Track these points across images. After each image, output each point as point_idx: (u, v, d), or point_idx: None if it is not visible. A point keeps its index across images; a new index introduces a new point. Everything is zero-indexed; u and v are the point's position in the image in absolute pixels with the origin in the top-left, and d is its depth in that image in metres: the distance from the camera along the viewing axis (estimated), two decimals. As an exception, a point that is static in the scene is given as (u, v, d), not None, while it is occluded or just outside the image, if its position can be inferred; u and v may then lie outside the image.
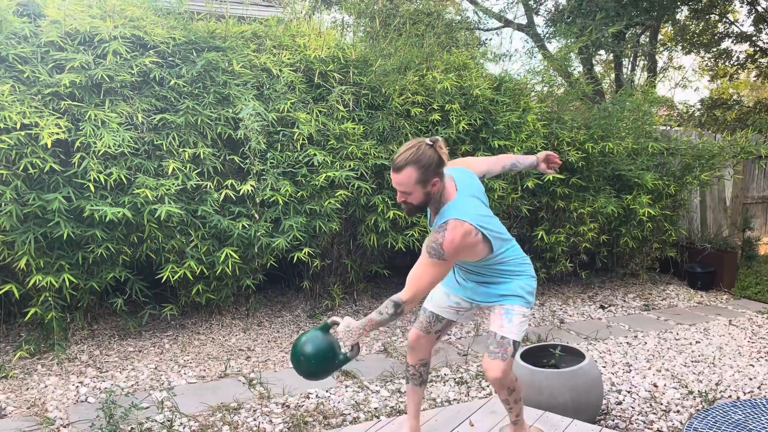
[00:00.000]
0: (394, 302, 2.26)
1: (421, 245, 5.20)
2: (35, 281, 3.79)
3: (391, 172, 2.25)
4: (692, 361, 4.33)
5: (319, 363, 2.30)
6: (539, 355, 3.46)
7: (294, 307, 5.36)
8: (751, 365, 4.27)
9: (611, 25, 9.35)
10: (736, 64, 14.63)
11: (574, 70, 11.38)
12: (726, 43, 14.30)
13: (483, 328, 4.96)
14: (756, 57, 14.12)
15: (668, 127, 7.49)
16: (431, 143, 2.25)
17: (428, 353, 2.73)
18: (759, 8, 12.93)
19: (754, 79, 15.44)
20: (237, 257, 4.36)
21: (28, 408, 3.35)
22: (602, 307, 5.81)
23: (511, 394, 2.52)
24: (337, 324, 2.36)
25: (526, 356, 3.39)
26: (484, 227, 2.31)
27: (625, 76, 11.84)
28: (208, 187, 4.37)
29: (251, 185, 4.43)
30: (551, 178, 5.60)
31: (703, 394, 3.74)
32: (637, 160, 6.19)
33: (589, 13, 10.05)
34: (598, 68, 15.38)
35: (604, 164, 6.07)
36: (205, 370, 3.95)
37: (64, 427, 3.16)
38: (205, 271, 4.36)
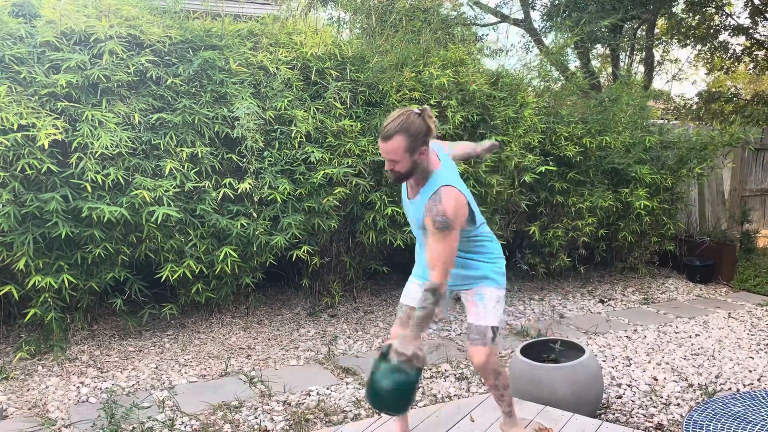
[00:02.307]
0: (431, 289, 2.25)
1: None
2: (34, 282, 3.79)
3: (380, 141, 2.25)
4: (692, 354, 4.34)
5: (405, 391, 2.27)
6: (539, 350, 3.47)
7: (294, 305, 5.36)
8: (750, 357, 4.28)
9: (606, 17, 9.35)
10: (732, 56, 14.62)
11: (571, 64, 11.38)
12: (722, 36, 14.30)
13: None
14: (752, 49, 14.11)
15: (666, 121, 7.50)
16: (419, 112, 2.26)
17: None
18: (755, 0, 12.92)
19: (751, 71, 15.44)
20: (236, 256, 4.36)
21: (29, 409, 3.35)
22: (602, 301, 5.82)
23: (497, 378, 2.56)
24: (392, 345, 2.31)
25: (527, 351, 3.40)
26: (467, 196, 2.37)
27: (620, 71, 11.84)
28: (207, 186, 4.37)
29: (249, 184, 4.43)
30: (543, 169, 5.61)
31: (703, 386, 3.76)
32: (630, 152, 6.19)
33: (585, 7, 10.04)
34: (595, 63, 15.38)
35: (601, 159, 6.07)
36: (205, 369, 3.96)
37: (66, 427, 3.16)
38: (204, 270, 4.36)
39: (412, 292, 2.67)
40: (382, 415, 3.30)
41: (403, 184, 2.48)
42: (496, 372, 2.54)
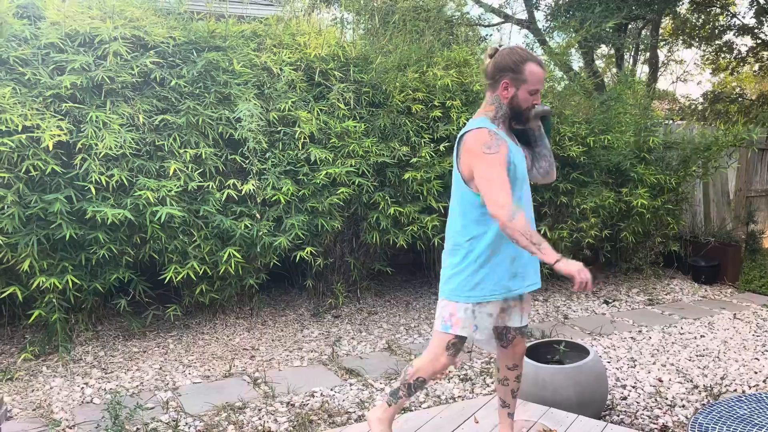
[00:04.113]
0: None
1: (423, 242, 5.19)
2: (39, 283, 3.80)
3: (541, 69, 2.24)
4: (697, 356, 4.32)
5: None
6: (544, 351, 3.46)
7: (298, 306, 5.36)
8: (756, 359, 4.26)
9: (610, 18, 9.32)
10: (737, 57, 14.56)
11: (575, 64, 11.34)
12: (728, 36, 14.24)
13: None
14: (758, 50, 14.05)
15: (671, 121, 7.47)
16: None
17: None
18: (761, 0, 12.86)
19: (756, 72, 15.37)
20: (240, 257, 4.36)
21: (34, 410, 3.36)
22: (606, 302, 5.80)
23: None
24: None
25: (531, 352, 3.39)
26: None
27: (624, 71, 11.80)
28: (210, 187, 4.37)
29: (253, 185, 4.43)
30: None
31: (709, 388, 3.74)
32: (625, 150, 6.14)
33: (589, 6, 10.00)
34: (599, 63, 15.34)
35: (601, 156, 6.04)
36: (209, 370, 3.96)
37: (70, 428, 3.17)
38: (208, 271, 4.36)
39: (484, 326, 2.37)
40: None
41: (503, 136, 2.27)
42: None
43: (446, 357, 2.37)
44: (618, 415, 3.39)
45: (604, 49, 14.63)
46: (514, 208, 2.07)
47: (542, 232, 5.72)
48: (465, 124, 5.25)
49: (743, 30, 13.67)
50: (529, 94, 2.23)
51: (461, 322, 2.32)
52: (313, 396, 3.59)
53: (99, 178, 3.90)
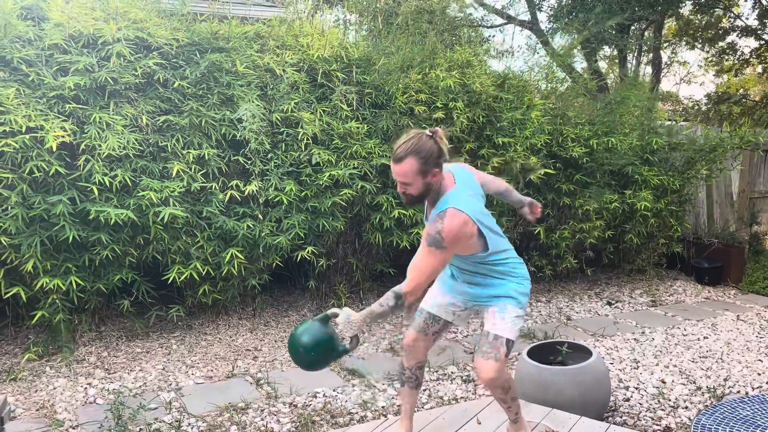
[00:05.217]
0: (395, 294, 2.29)
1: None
2: (42, 284, 3.81)
3: (392, 163, 2.25)
4: (700, 357, 4.31)
5: (318, 354, 2.30)
6: (546, 352, 3.45)
7: (300, 306, 5.36)
8: (759, 360, 4.25)
9: (611, 17, 9.30)
10: (741, 58, 14.54)
11: (577, 65, 11.35)
12: (731, 37, 14.22)
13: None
14: (761, 51, 14.02)
15: (674, 122, 7.46)
16: (431, 134, 2.25)
17: (425, 355, 2.69)
18: (764, 1, 12.83)
19: (760, 74, 15.34)
20: (242, 258, 4.37)
21: (37, 410, 3.37)
22: (609, 303, 5.79)
23: (506, 392, 2.50)
24: (337, 315, 2.34)
25: (533, 353, 3.38)
26: (481, 221, 2.30)
27: (628, 72, 11.80)
28: (213, 188, 4.38)
29: (255, 185, 4.43)
30: (543, 171, 5.59)
31: (712, 389, 3.73)
32: (628, 153, 6.12)
33: (592, 8, 10.00)
34: (602, 64, 15.33)
35: (604, 158, 6.03)
36: (212, 371, 3.96)
37: (73, 428, 3.17)
38: (211, 271, 4.37)
39: (434, 299, 2.64)
40: (389, 416, 3.30)
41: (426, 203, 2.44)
42: (505, 387, 2.48)
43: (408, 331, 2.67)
44: (621, 417, 3.38)
45: (607, 50, 14.63)
46: None
47: (544, 233, 5.71)
48: (467, 125, 5.26)
49: (746, 31, 13.64)
50: None
51: None
52: (316, 397, 3.59)
53: (102, 179, 3.91)
